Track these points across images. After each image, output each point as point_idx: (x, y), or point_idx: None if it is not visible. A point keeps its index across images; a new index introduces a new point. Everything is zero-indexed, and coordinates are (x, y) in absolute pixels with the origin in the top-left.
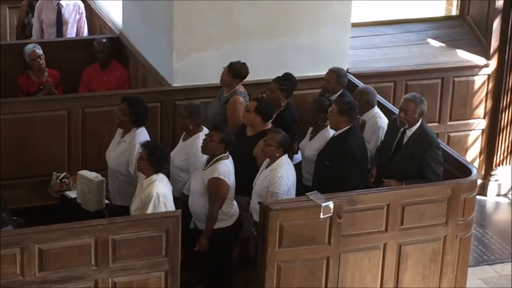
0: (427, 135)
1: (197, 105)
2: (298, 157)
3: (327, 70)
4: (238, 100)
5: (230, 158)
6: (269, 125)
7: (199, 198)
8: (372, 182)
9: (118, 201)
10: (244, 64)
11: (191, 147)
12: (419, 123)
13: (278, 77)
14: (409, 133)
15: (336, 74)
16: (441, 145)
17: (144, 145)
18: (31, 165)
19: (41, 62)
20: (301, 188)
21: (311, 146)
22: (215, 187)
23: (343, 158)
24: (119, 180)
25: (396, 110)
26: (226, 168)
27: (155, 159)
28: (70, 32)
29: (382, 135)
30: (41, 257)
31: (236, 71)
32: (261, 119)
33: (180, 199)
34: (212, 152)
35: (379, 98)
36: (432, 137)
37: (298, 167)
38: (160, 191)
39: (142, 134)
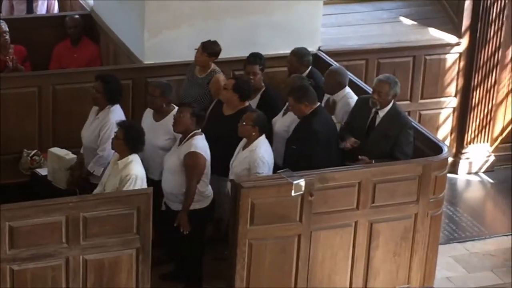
0: (400, 116)
1: (167, 84)
2: None
3: (291, 51)
4: (220, 78)
5: (203, 135)
6: (247, 103)
7: (174, 176)
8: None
9: (96, 179)
10: (215, 42)
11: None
12: (391, 104)
13: (253, 58)
14: (381, 113)
15: (296, 55)
16: (413, 124)
17: (120, 124)
18: (1, 142)
19: (6, 37)
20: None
21: (282, 122)
22: (192, 161)
23: (307, 141)
24: (94, 156)
25: (368, 89)
26: (202, 143)
27: (131, 139)
28: (41, 9)
29: None
30: (12, 235)
31: (211, 49)
32: (238, 97)
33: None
34: (184, 128)
35: (351, 76)
36: (405, 118)
37: None
38: (138, 173)
39: (116, 112)
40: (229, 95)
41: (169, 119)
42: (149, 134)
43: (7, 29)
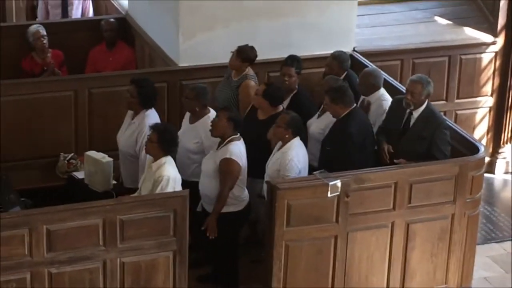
0: (435, 115)
1: (203, 87)
2: None
3: (330, 54)
4: (249, 84)
5: (242, 140)
6: (280, 108)
7: (210, 180)
8: (387, 160)
9: (129, 183)
10: (252, 48)
11: (203, 130)
12: (425, 104)
13: (290, 60)
14: (416, 114)
15: (337, 60)
16: (448, 123)
17: (154, 127)
18: (38, 146)
19: (44, 41)
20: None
21: (317, 124)
22: (226, 167)
23: (341, 143)
24: (129, 161)
25: (403, 89)
26: (238, 149)
27: (165, 141)
28: (76, 13)
29: None
30: (49, 238)
31: (245, 55)
32: (268, 103)
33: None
34: (221, 132)
35: (386, 76)
36: (440, 117)
37: None
38: (171, 174)
39: (152, 116)
40: (260, 101)
41: (201, 122)
42: (182, 136)
43: (45, 33)
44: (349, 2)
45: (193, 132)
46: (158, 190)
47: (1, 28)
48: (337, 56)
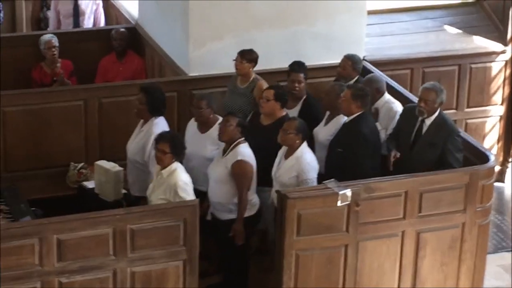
0: (447, 123)
1: (210, 94)
2: None
3: (344, 55)
4: (264, 84)
5: (247, 143)
6: (284, 112)
7: (222, 186)
8: (393, 167)
9: (137, 192)
10: (252, 49)
11: None
12: (437, 112)
13: (297, 66)
14: (428, 122)
15: (351, 60)
16: (460, 132)
17: (163, 137)
18: (49, 156)
19: (55, 52)
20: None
21: (325, 131)
22: (240, 170)
23: (356, 144)
24: (137, 169)
25: (413, 98)
26: (247, 151)
27: (178, 149)
28: (87, 23)
29: None
30: (60, 247)
31: (249, 56)
32: (280, 105)
33: None
34: (230, 137)
35: (396, 85)
36: (452, 125)
37: None
38: (185, 179)
39: (161, 124)
40: (272, 105)
41: (215, 129)
42: (195, 146)
43: (57, 44)
44: (359, 11)
45: (210, 140)
46: (181, 194)
47: (12, 38)
48: (351, 57)
